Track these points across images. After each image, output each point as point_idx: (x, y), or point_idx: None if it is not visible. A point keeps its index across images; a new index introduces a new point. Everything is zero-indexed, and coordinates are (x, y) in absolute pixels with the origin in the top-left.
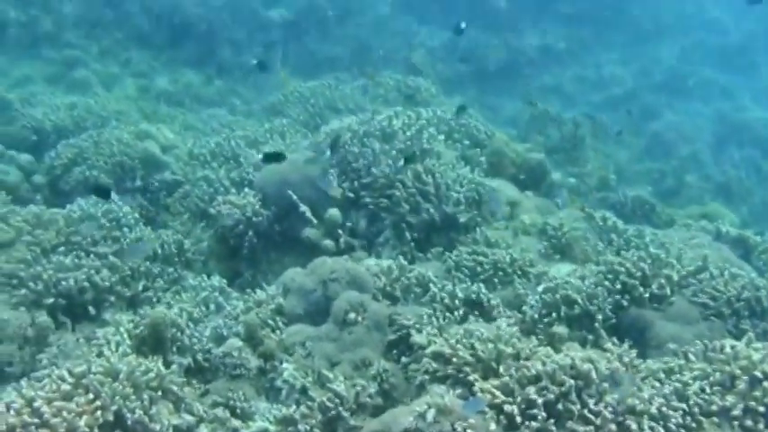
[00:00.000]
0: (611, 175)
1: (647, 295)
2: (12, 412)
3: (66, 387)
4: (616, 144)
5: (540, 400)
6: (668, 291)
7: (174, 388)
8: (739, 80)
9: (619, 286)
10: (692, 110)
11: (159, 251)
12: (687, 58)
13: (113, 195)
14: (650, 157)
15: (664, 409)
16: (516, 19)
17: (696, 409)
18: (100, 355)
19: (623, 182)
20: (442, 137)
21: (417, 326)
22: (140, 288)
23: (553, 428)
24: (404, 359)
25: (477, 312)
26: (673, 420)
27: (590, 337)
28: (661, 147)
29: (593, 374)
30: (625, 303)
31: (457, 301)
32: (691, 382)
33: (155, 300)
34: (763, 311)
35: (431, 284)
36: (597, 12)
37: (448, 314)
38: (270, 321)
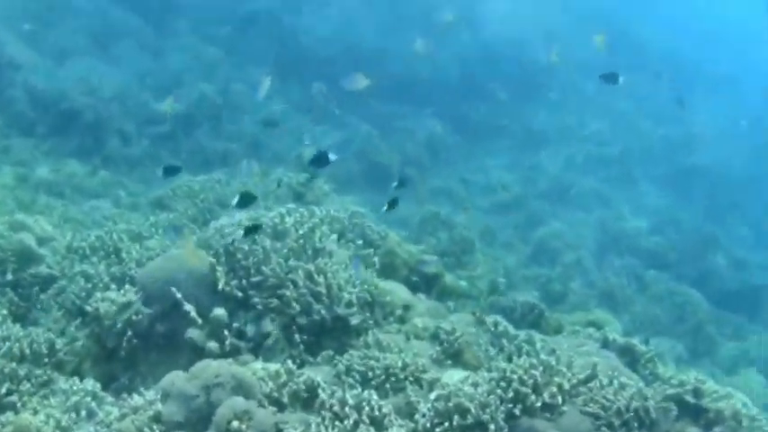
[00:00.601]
0: (500, 279)
1: (538, 404)
2: None
3: None
4: (504, 249)
5: None
6: (560, 400)
7: None
8: (617, 190)
9: (511, 394)
10: (576, 218)
11: (28, 351)
12: (571, 168)
13: None
14: (536, 263)
15: None
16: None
17: None
18: None
19: (511, 287)
20: (335, 236)
21: None
22: (3, 391)
23: None
24: None
25: (367, 421)
26: None
27: None
28: (547, 253)
29: None
30: (517, 413)
31: (347, 409)
32: None
33: (19, 405)
34: (651, 423)
35: (320, 390)
36: (490, 118)
37: (337, 422)
38: (146, 429)
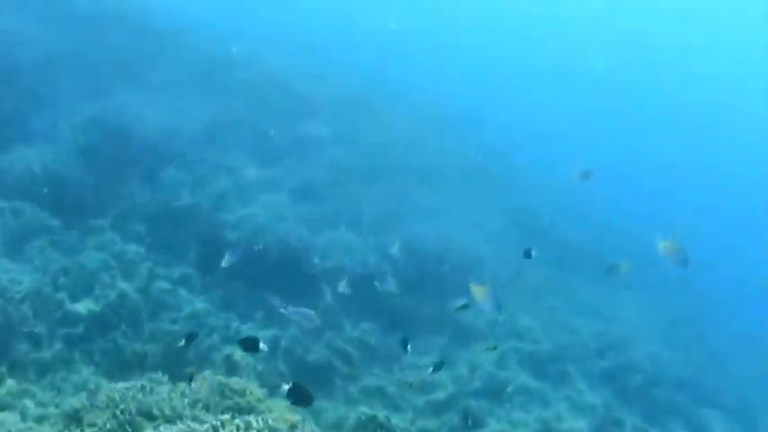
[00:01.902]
0: None
1: None
2: None
3: None
4: None
5: None
6: None
7: None
8: (554, 389)
9: None
10: (515, 418)
11: None
12: (504, 365)
13: None
14: None
15: None
16: (338, 315)
17: None
18: None
19: None
20: None
21: None
22: None
23: None
24: None
25: None
26: None
27: None
28: None
29: None
30: None
31: None
32: None
33: None
34: None
35: None
36: (424, 317)
37: None
38: None
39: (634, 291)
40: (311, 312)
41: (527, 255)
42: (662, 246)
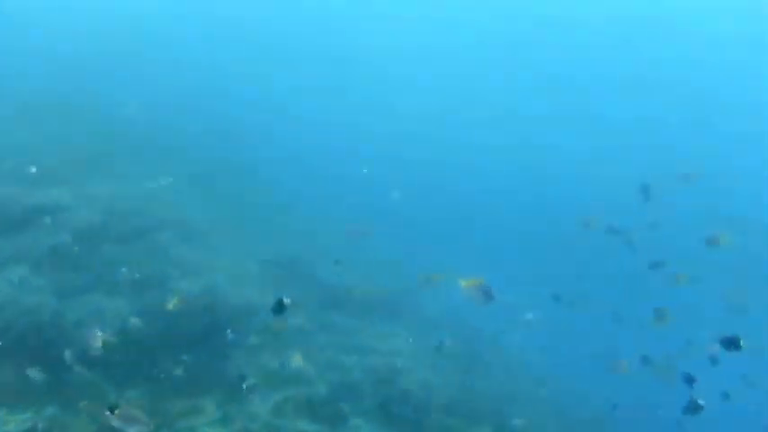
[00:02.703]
0: None
1: None
2: None
3: None
4: None
5: None
6: None
7: None
8: (331, 430)
9: None
10: None
11: None
12: (281, 413)
13: None
14: None
15: None
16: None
17: None
18: None
19: None
20: None
21: None
22: None
23: None
24: None
25: None
26: None
27: None
28: None
29: None
30: None
31: None
32: None
33: None
34: None
35: None
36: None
37: None
38: None
39: (400, 323)
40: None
41: (278, 307)
42: (464, 284)
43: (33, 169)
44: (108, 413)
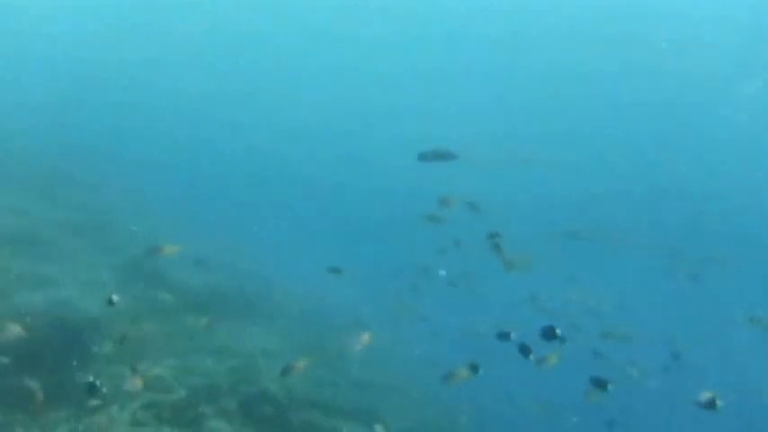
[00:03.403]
0: None
1: None
2: None
3: None
4: None
5: None
6: None
7: None
8: None
9: None
10: None
11: None
12: (139, 421)
13: None
14: None
15: None
16: None
17: None
18: None
19: None
20: None
21: None
22: None
23: None
24: None
25: None
26: None
27: None
28: None
29: None
30: None
31: None
32: None
33: None
34: None
35: None
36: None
37: None
38: None
39: (262, 323)
40: None
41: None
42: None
43: None
44: None
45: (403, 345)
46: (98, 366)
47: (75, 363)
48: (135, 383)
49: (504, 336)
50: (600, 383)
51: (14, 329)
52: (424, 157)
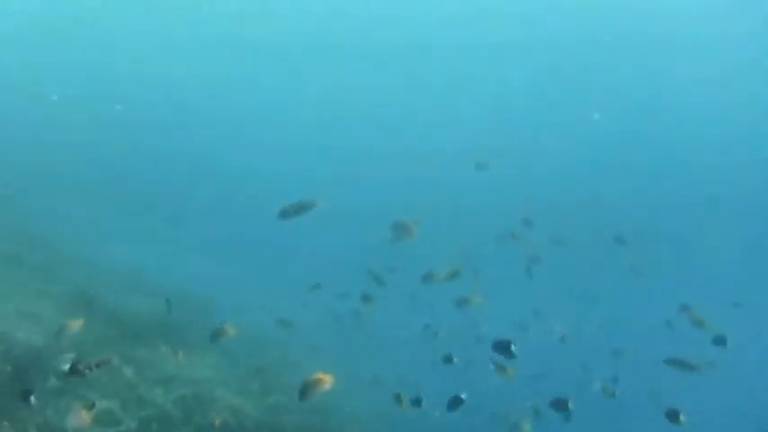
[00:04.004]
0: None
1: None
2: None
3: None
4: None
5: None
6: None
7: None
8: None
9: None
10: None
11: None
12: None
13: None
14: None
15: None
16: None
17: None
18: None
19: None
20: None
21: None
22: None
23: None
24: None
25: None
26: None
27: None
28: None
29: None
30: None
31: None
32: None
33: None
34: None
35: None
36: None
37: None
38: None
39: (208, 352)
40: None
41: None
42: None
43: None
44: None
45: (353, 366)
46: (46, 401)
47: (22, 398)
48: (82, 418)
49: (448, 359)
50: (561, 404)
51: None
52: (284, 213)
